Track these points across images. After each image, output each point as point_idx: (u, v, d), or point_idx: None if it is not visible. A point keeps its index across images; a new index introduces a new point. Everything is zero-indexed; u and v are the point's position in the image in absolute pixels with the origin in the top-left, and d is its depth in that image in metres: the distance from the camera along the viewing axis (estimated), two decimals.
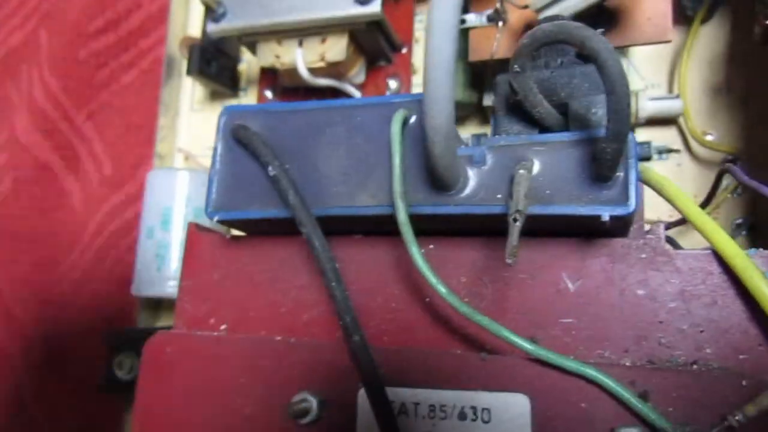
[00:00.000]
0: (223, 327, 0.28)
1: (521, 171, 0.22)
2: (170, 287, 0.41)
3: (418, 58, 0.44)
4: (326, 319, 0.27)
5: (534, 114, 0.23)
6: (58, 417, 0.58)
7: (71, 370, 0.57)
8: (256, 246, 0.29)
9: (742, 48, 0.37)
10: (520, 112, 0.24)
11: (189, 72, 0.44)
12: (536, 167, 0.22)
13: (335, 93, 0.41)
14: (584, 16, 0.30)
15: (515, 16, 0.32)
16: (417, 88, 0.44)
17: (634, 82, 0.39)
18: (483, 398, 0.23)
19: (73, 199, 0.57)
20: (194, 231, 0.30)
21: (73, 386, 0.57)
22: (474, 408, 0.23)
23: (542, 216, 0.22)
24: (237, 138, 0.27)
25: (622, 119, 0.19)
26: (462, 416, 0.23)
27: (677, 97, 0.36)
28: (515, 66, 0.21)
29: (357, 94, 0.41)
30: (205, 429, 0.27)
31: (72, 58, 0.59)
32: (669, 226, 0.32)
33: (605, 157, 0.20)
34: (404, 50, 0.43)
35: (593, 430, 0.21)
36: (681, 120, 0.37)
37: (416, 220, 0.24)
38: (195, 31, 0.50)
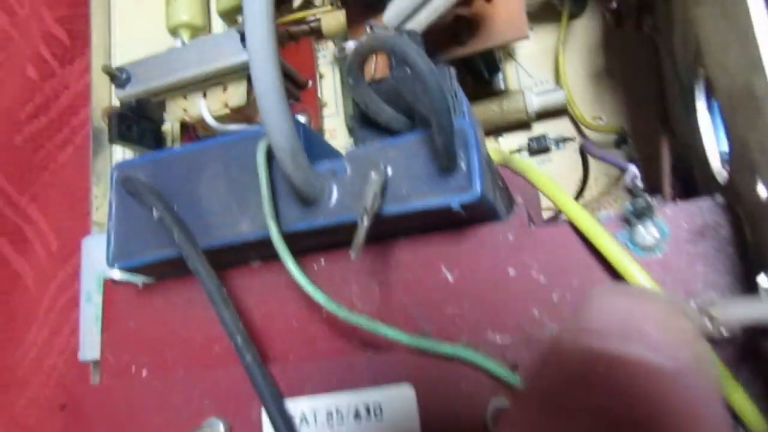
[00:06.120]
0: (144, 372, 0.29)
1: (372, 174, 0.23)
2: None
3: (325, 92, 0.46)
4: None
5: (380, 121, 0.25)
6: None
7: None
8: (164, 289, 0.30)
9: (615, 34, 0.39)
10: (371, 122, 0.25)
11: (110, 140, 0.46)
12: (390, 170, 0.24)
13: None
14: (442, 28, 0.32)
15: None
16: (327, 119, 0.46)
17: (523, 81, 0.41)
18: (373, 394, 0.23)
19: (26, 280, 0.58)
20: (109, 285, 0.31)
21: None
22: (367, 405, 0.23)
23: (403, 214, 0.24)
24: (126, 189, 0.28)
25: (440, 111, 0.21)
26: (357, 416, 0.24)
27: (560, 88, 0.38)
28: (349, 80, 0.23)
29: None
30: None
31: (10, 145, 0.61)
32: None
33: (439, 150, 0.22)
34: (309, 85, 0.45)
35: (472, 405, 0.22)
36: (570, 109, 0.39)
37: (297, 237, 0.25)
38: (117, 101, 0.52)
